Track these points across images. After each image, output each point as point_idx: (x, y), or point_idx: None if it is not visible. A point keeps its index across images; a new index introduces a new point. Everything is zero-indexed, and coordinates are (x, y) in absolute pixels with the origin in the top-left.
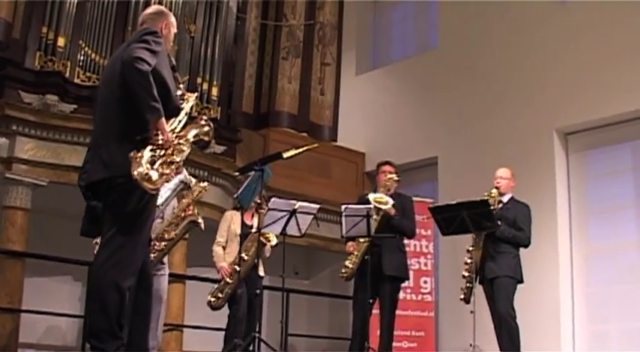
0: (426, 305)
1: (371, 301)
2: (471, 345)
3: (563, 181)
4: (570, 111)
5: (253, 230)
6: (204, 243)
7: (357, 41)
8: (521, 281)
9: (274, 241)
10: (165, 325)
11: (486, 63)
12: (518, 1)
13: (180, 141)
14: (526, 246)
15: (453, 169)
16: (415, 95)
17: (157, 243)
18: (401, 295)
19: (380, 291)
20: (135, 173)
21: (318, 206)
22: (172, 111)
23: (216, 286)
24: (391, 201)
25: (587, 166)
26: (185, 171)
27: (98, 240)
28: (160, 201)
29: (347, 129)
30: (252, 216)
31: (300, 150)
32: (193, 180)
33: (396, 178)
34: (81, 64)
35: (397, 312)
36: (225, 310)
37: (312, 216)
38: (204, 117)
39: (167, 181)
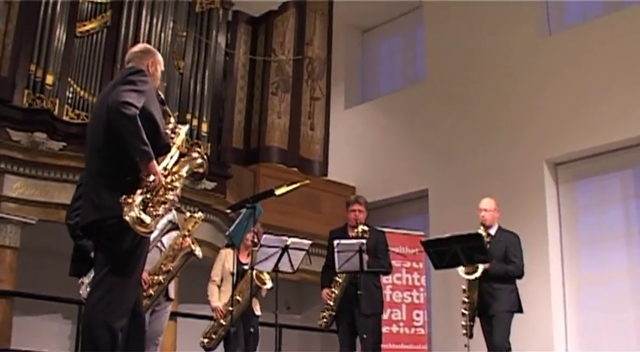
0: (418, 339)
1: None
2: None
3: (553, 212)
4: (559, 141)
5: (247, 267)
6: (195, 280)
7: (346, 75)
8: (521, 311)
9: (269, 284)
10: None
11: (473, 95)
12: (503, 33)
13: (173, 177)
14: (519, 277)
15: (443, 202)
16: (404, 128)
17: (155, 276)
18: (394, 328)
19: (361, 329)
20: (127, 218)
21: (309, 242)
22: (162, 149)
23: (209, 326)
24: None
25: (577, 196)
26: (174, 211)
27: (84, 279)
28: None
29: (337, 163)
30: (248, 255)
31: (293, 186)
32: (188, 214)
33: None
34: (69, 101)
35: (390, 346)
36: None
37: (304, 252)
38: (197, 149)
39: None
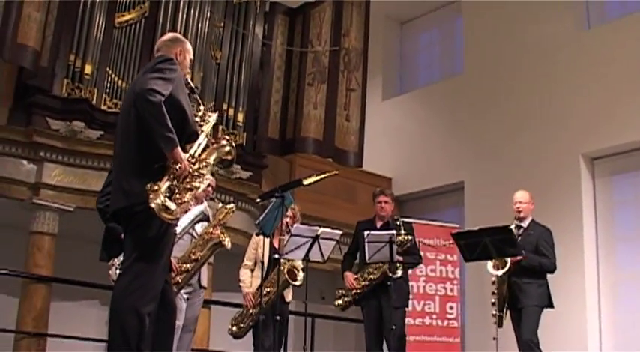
0: (451, 331)
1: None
2: None
3: (589, 206)
4: (597, 136)
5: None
6: (230, 268)
7: (384, 66)
8: (552, 306)
9: (300, 281)
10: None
11: (512, 88)
12: (541, 27)
13: (200, 165)
14: (552, 271)
15: (479, 194)
16: (441, 120)
17: (184, 264)
18: (427, 320)
19: (389, 321)
20: (153, 205)
21: (340, 232)
22: (190, 136)
23: (238, 313)
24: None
25: (614, 191)
26: (206, 203)
27: (114, 262)
28: (177, 229)
29: (373, 154)
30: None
31: (321, 177)
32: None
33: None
34: (107, 90)
35: (423, 337)
36: (250, 335)
37: (334, 242)
38: (225, 137)
39: (187, 211)
